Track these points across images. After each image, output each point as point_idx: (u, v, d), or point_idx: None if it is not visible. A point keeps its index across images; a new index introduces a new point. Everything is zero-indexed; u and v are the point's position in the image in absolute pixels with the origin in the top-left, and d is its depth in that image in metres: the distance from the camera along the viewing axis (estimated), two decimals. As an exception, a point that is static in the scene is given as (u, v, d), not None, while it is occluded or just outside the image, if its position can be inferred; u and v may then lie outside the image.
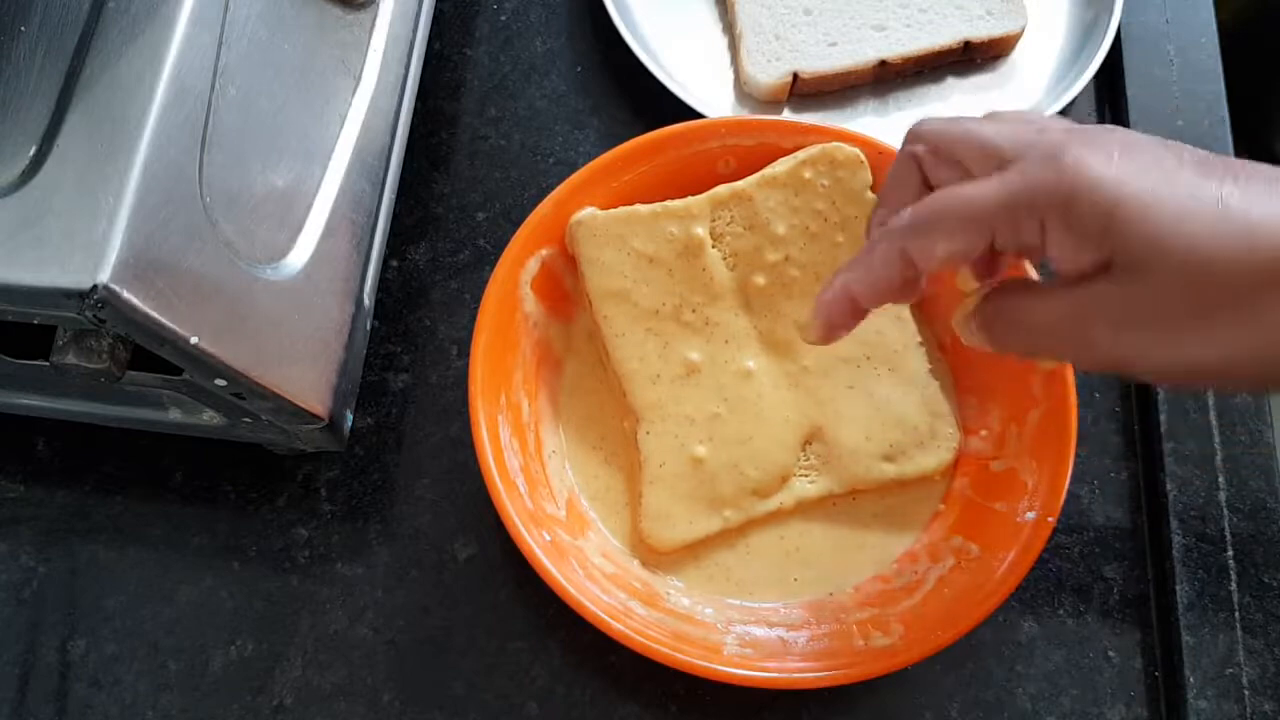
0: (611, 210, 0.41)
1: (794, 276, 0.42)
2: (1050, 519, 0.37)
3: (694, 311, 0.42)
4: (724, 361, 0.42)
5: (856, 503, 0.42)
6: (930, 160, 0.31)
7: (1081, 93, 0.50)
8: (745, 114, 0.51)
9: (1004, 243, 0.29)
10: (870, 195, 0.42)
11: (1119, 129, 0.29)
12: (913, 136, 0.32)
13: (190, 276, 0.32)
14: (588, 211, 0.41)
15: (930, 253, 0.30)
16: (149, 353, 0.32)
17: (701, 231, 0.41)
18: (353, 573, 0.43)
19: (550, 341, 0.43)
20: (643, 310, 0.41)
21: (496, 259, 0.40)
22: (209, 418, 0.39)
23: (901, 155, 0.33)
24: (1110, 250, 0.27)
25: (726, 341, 0.42)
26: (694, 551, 0.41)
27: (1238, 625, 0.41)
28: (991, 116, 0.31)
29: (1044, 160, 0.27)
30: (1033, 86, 0.53)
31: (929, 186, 0.32)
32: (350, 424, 0.41)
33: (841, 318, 0.33)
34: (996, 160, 0.29)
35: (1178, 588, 0.41)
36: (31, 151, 0.30)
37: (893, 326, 0.43)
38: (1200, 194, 0.26)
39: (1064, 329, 0.29)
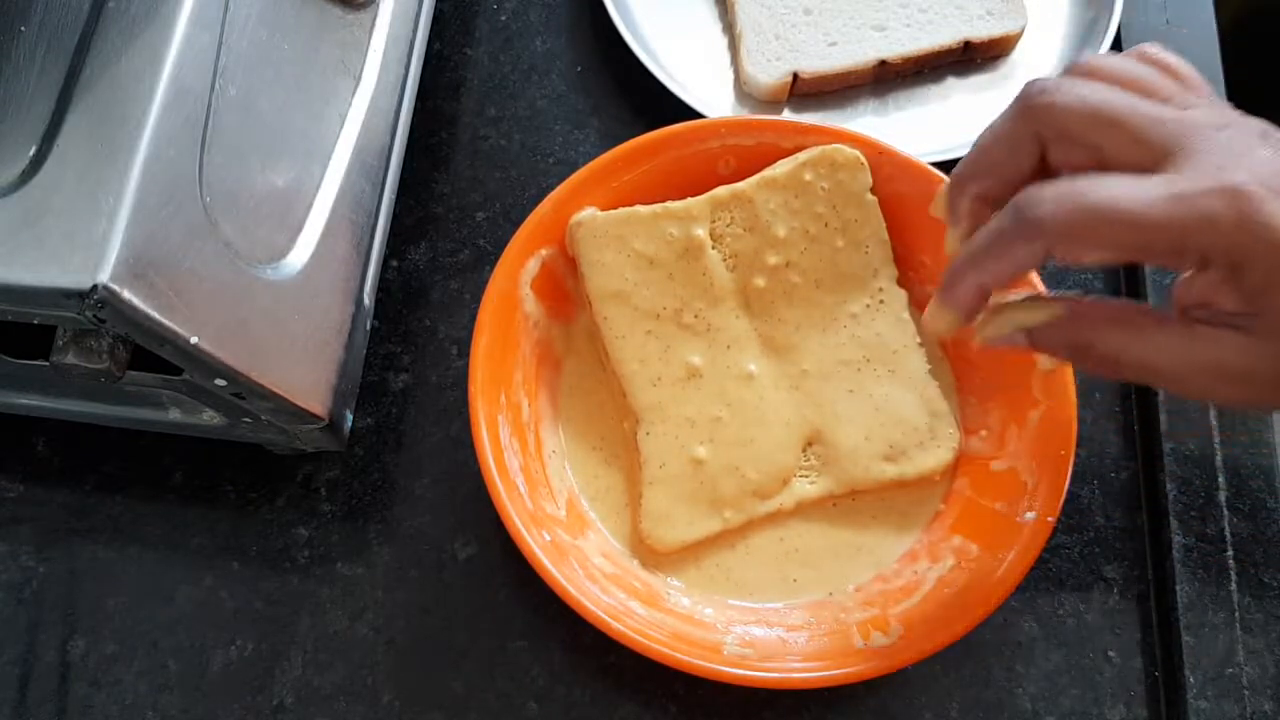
0: (611, 211, 0.41)
1: (795, 283, 0.42)
2: (1050, 519, 0.37)
3: (695, 315, 0.42)
4: (725, 366, 0.42)
5: (856, 503, 0.42)
6: (1055, 141, 0.29)
7: (1081, 93, 0.50)
8: (745, 114, 0.51)
9: (1148, 260, 0.28)
10: (870, 197, 0.42)
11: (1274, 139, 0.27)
12: (1039, 111, 0.29)
13: (190, 276, 0.32)
14: (588, 212, 0.41)
15: (1078, 256, 0.28)
16: (149, 353, 0.32)
17: (701, 233, 0.41)
18: (353, 573, 0.43)
19: (550, 341, 0.43)
20: (643, 312, 0.41)
21: (496, 259, 0.40)
22: (209, 418, 0.39)
23: (1018, 126, 0.30)
24: (1260, 309, 0.27)
25: (728, 346, 0.42)
26: (694, 552, 0.41)
27: (1238, 625, 0.41)
28: (1114, 77, 0.29)
29: (1224, 197, 0.26)
30: (1033, 86, 0.53)
31: (1046, 161, 0.30)
32: (350, 424, 0.41)
33: (975, 308, 0.31)
34: (1148, 154, 0.27)
35: (1178, 588, 0.41)
36: (31, 151, 0.30)
37: (892, 328, 0.43)
38: None
39: (1170, 369, 0.29)
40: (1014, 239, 0.28)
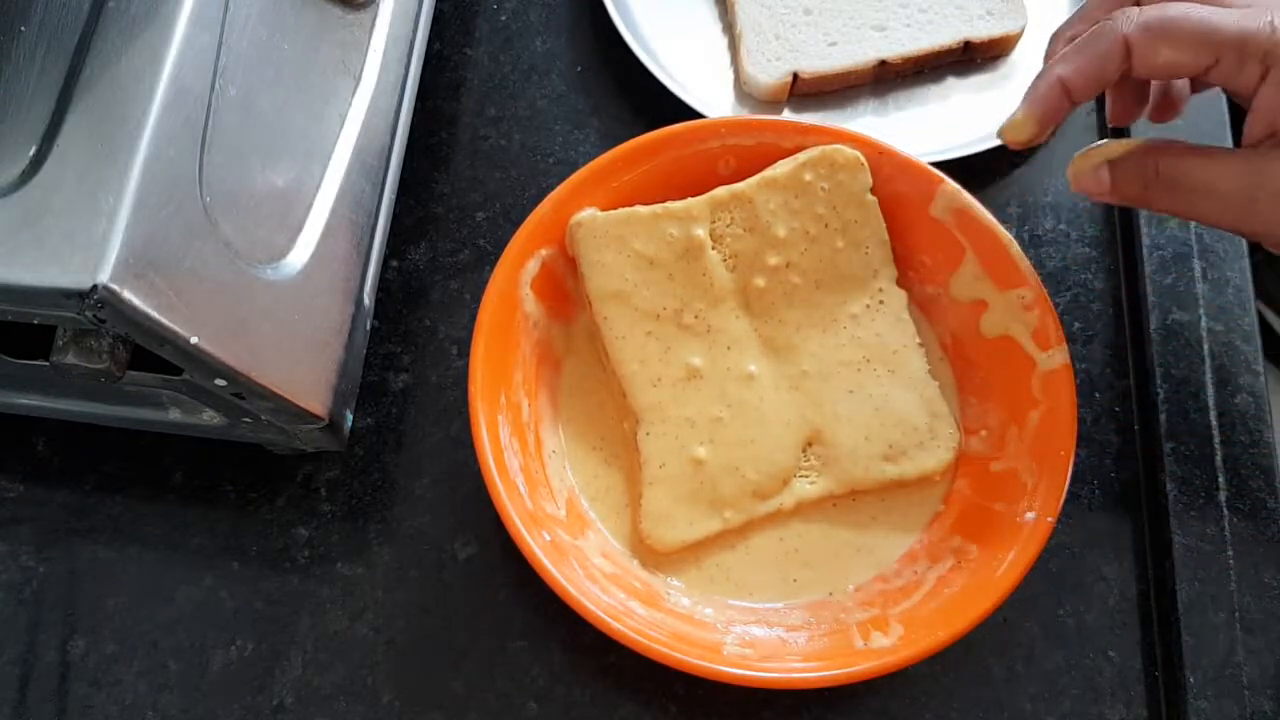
0: (611, 212, 0.41)
1: (795, 284, 0.42)
2: (1050, 519, 0.37)
3: (696, 316, 0.42)
4: (726, 367, 0.42)
5: (856, 503, 0.42)
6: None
7: (1081, 93, 0.50)
8: (745, 114, 0.51)
9: (1217, 75, 0.33)
10: (870, 198, 0.42)
11: None
12: (1114, 12, 0.34)
13: (190, 276, 0.32)
14: (588, 213, 0.41)
15: (1153, 54, 0.32)
16: (149, 353, 0.32)
17: (701, 233, 0.41)
18: (353, 573, 0.43)
19: (550, 341, 0.43)
20: (643, 313, 0.41)
21: (496, 259, 0.40)
22: (209, 418, 0.39)
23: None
24: None
25: (729, 347, 0.42)
26: (694, 552, 0.41)
27: (1238, 625, 0.41)
28: None
29: None
30: (1033, 86, 0.53)
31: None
32: (350, 424, 0.41)
33: (1055, 111, 0.35)
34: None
35: (1178, 588, 0.41)
36: (31, 151, 0.30)
37: (892, 328, 0.43)
38: None
39: (1233, 193, 0.33)
40: (1097, 37, 0.33)
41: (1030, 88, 0.36)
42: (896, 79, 0.52)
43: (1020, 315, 0.41)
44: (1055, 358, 0.39)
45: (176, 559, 0.43)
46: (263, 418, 0.38)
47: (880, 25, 0.52)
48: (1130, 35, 0.33)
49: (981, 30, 0.52)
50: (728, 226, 0.42)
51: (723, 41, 0.54)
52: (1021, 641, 0.42)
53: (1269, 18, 0.32)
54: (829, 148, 0.42)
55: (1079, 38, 0.35)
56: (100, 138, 0.30)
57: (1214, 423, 0.44)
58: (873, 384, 0.42)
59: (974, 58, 0.53)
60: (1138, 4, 0.35)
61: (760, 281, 0.42)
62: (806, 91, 0.52)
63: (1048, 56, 0.38)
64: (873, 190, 0.42)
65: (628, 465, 0.42)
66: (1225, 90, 0.35)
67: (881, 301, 0.43)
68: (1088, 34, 0.34)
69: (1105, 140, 0.37)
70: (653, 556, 0.41)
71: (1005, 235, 0.41)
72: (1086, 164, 0.37)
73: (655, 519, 0.40)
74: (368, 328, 0.42)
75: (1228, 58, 0.32)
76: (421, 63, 0.47)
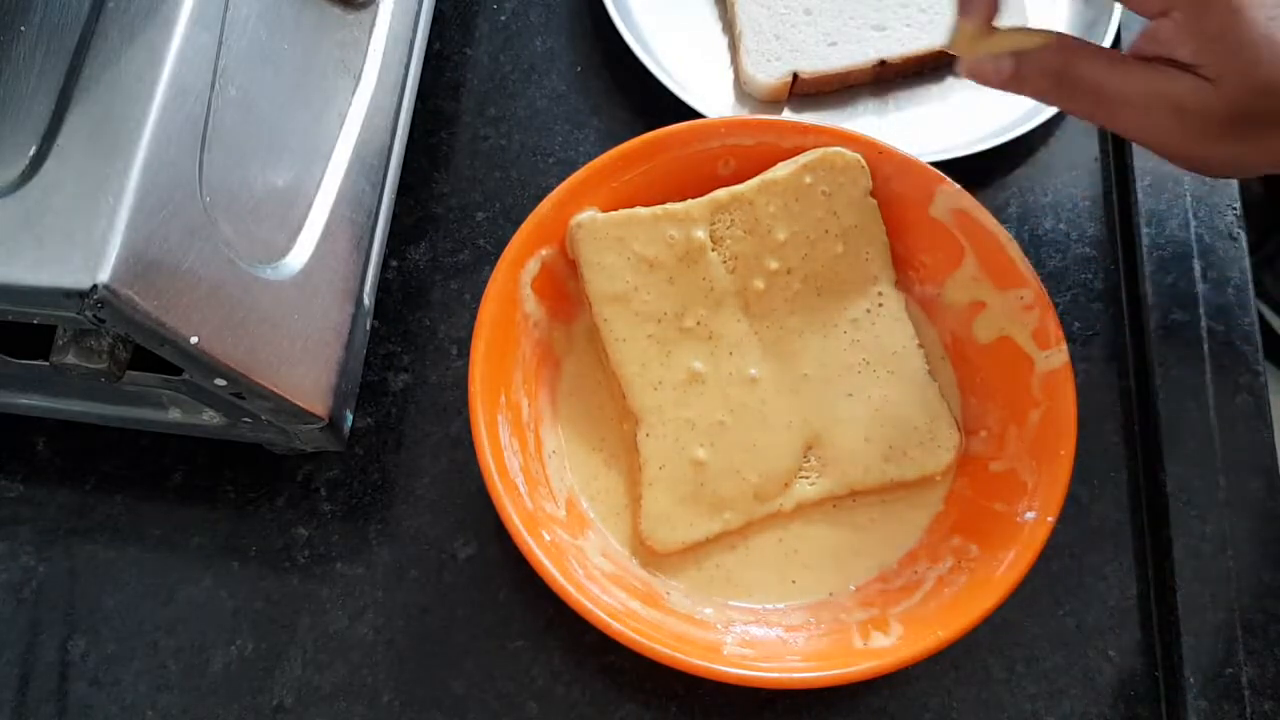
0: (611, 213, 0.41)
1: (796, 290, 0.42)
2: (1050, 519, 0.37)
3: (697, 321, 0.42)
4: (728, 372, 0.42)
5: (856, 504, 0.42)
6: None
7: (1081, 93, 0.50)
8: (745, 114, 0.51)
9: None
10: (870, 201, 0.42)
11: None
12: None
13: (190, 276, 0.32)
14: (588, 214, 0.41)
15: None
16: (149, 353, 0.32)
17: (702, 235, 0.41)
18: (353, 573, 0.43)
19: (550, 342, 0.43)
20: (644, 316, 0.41)
21: (496, 259, 0.40)
22: (209, 418, 0.39)
23: None
24: (1211, 57, 0.33)
25: (731, 352, 0.42)
26: (694, 553, 0.41)
27: (1238, 625, 0.41)
28: None
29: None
30: (1033, 86, 0.53)
31: None
32: (350, 424, 0.41)
33: (991, 10, 0.36)
34: None
35: (1178, 588, 0.41)
36: (31, 151, 0.30)
37: (892, 330, 0.43)
38: (1277, 35, 0.32)
39: (1135, 104, 0.34)
40: None
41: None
42: (896, 79, 0.52)
43: (1020, 315, 0.41)
44: (1055, 358, 0.39)
45: (176, 559, 0.43)
46: (263, 418, 0.38)
47: (880, 25, 0.52)
48: None
49: (981, 30, 0.51)
50: (728, 228, 0.42)
51: (723, 41, 0.54)
52: (1021, 641, 0.42)
53: None
54: (829, 150, 0.42)
55: None
56: (100, 138, 0.30)
57: (1214, 423, 0.44)
58: (873, 386, 0.42)
59: (974, 58, 0.53)
60: None
61: (760, 284, 0.42)
62: (806, 91, 0.52)
63: None
64: (872, 190, 0.42)
65: (628, 466, 0.42)
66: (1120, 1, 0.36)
67: (881, 305, 0.43)
68: None
69: (1009, 27, 0.36)
70: (653, 557, 0.41)
71: (1005, 235, 0.41)
72: (992, 48, 0.36)
73: (655, 520, 0.40)
74: (368, 328, 0.42)
75: None
76: (421, 63, 0.47)
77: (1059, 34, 0.36)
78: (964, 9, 0.36)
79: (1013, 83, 0.37)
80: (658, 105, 0.49)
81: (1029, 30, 0.36)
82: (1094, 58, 0.35)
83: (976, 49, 0.36)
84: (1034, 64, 0.36)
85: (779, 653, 0.37)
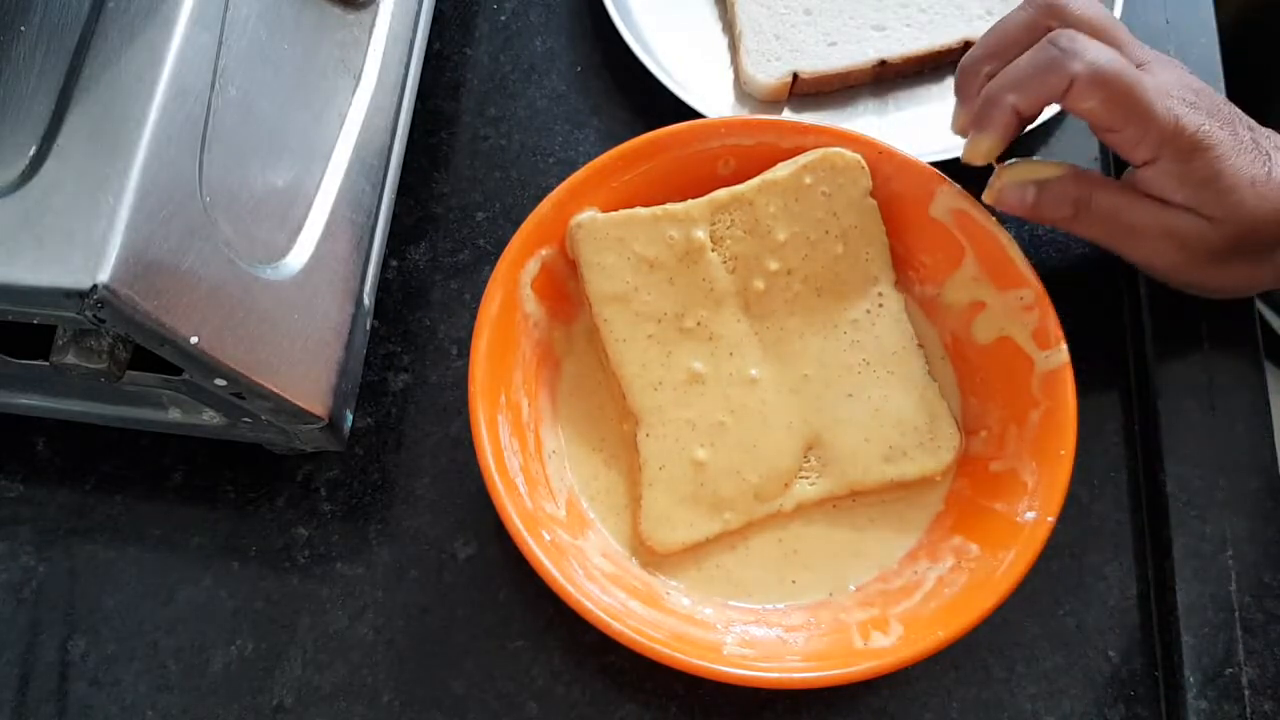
0: (611, 213, 0.41)
1: (796, 291, 0.42)
2: (1050, 519, 0.37)
3: (698, 322, 0.42)
4: (729, 373, 0.42)
5: (857, 504, 0.42)
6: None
7: (1081, 93, 0.50)
8: (745, 114, 0.51)
9: (1114, 138, 0.37)
10: (870, 201, 0.42)
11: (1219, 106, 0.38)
12: (1056, 8, 0.37)
13: (190, 276, 0.32)
14: (588, 214, 0.41)
15: (1083, 99, 0.36)
16: (149, 353, 0.32)
17: (702, 235, 0.41)
18: (353, 573, 0.43)
19: (550, 342, 0.43)
20: (644, 316, 0.41)
21: (496, 259, 0.40)
22: (209, 418, 0.39)
23: (1036, 16, 0.38)
24: (1198, 201, 0.37)
25: (731, 353, 0.42)
26: (694, 553, 0.41)
27: (1238, 625, 0.41)
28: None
29: (1209, 128, 0.36)
30: (1033, 86, 0.53)
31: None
32: (350, 424, 0.41)
33: (1011, 132, 0.38)
34: (1131, 58, 0.37)
35: (1178, 588, 0.41)
36: (31, 151, 0.30)
37: (892, 330, 0.43)
38: (1257, 175, 0.37)
39: (1147, 234, 0.38)
40: (1049, 73, 0.36)
41: (982, 111, 0.38)
42: (896, 79, 0.52)
43: (1020, 315, 0.41)
44: (1055, 358, 0.39)
45: (176, 559, 0.43)
46: (263, 418, 0.38)
47: (880, 25, 0.52)
48: (1078, 77, 0.35)
49: (981, 30, 0.51)
50: (728, 228, 0.42)
51: (723, 41, 0.54)
52: (1021, 641, 0.42)
53: (1177, 111, 0.36)
54: (829, 151, 0.42)
55: (1023, 60, 0.37)
56: (100, 138, 0.30)
57: (1214, 422, 0.44)
58: (873, 386, 0.42)
59: (974, 58, 0.53)
60: (1050, 29, 0.37)
61: (760, 284, 0.42)
62: (806, 91, 0.52)
63: (965, 83, 0.40)
64: (872, 190, 0.42)
65: (628, 466, 0.42)
66: (1105, 143, 0.39)
67: (881, 305, 0.43)
68: (1042, 62, 0.36)
69: (1025, 160, 0.40)
70: (653, 557, 0.41)
71: (1005, 235, 0.41)
72: (1013, 178, 0.39)
73: (655, 520, 0.40)
74: (368, 328, 0.42)
75: (1131, 131, 0.36)
76: (421, 63, 0.47)
77: (1071, 165, 0.40)
78: (982, 124, 0.38)
79: (1035, 209, 0.39)
80: (658, 105, 0.49)
81: (1045, 161, 0.39)
82: (1110, 189, 0.39)
83: (1000, 178, 0.40)
84: (1056, 192, 0.39)
85: (779, 653, 0.37)
